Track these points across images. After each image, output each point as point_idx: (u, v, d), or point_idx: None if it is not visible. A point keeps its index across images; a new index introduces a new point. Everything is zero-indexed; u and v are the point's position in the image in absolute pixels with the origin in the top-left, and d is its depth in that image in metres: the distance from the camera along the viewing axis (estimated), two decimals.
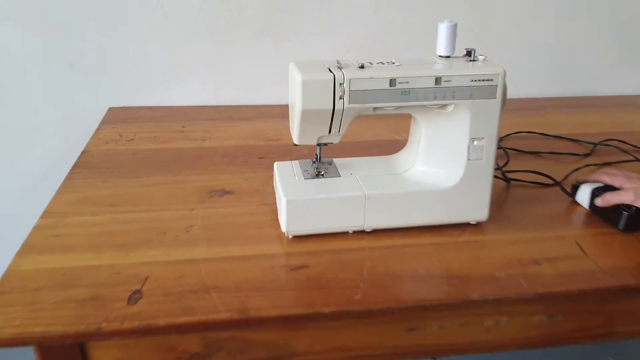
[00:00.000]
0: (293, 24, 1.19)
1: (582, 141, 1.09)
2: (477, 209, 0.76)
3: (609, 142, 1.08)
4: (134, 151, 0.98)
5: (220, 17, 1.16)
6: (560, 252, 0.71)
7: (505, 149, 1.01)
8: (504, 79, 0.70)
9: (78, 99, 1.17)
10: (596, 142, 1.08)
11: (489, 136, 0.72)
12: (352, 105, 0.67)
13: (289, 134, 0.73)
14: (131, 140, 1.03)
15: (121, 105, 1.20)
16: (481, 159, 0.73)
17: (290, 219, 0.70)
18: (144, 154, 0.97)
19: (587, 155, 1.03)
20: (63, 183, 0.85)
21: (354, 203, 0.71)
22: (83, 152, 0.96)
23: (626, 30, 1.34)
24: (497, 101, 0.70)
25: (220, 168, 0.92)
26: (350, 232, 0.73)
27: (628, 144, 1.07)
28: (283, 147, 1.01)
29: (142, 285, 0.62)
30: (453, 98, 0.69)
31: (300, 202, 0.70)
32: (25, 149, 1.20)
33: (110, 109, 1.18)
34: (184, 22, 1.15)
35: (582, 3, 1.29)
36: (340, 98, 0.66)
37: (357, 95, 0.67)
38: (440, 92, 0.68)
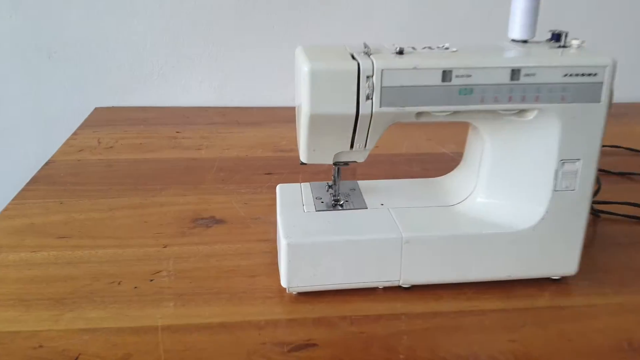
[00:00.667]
0: (314, 8, 0.98)
1: None
2: (563, 260, 0.53)
3: None
4: (110, 162, 0.78)
5: (226, 5, 0.96)
6: None
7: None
8: (613, 74, 0.47)
9: (59, 97, 0.99)
10: None
11: (587, 157, 0.49)
12: (385, 109, 0.45)
13: None
14: (110, 148, 0.83)
15: (110, 105, 1.01)
16: (573, 190, 0.50)
17: (292, 270, 0.49)
18: (121, 166, 0.77)
19: None
20: (10, 204, 0.66)
21: (386, 249, 0.49)
22: (47, 163, 0.77)
23: None
24: (603, 106, 0.47)
25: (213, 187, 0.72)
26: (380, 288, 0.52)
27: None
28: (297, 159, 0.80)
29: None
30: (536, 100, 0.46)
31: (308, 247, 0.49)
32: None
33: (96, 109, 1.00)
34: (185, 8, 0.95)
35: None
36: (368, 98, 0.45)
37: (392, 95, 0.45)
38: (518, 92, 0.46)
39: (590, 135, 0.48)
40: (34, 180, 0.72)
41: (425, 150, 0.85)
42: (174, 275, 0.54)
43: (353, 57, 0.45)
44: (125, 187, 0.71)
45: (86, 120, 0.95)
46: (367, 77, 0.44)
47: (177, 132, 0.90)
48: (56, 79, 0.98)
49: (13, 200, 0.67)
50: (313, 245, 0.49)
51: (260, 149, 0.85)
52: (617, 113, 1.05)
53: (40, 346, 0.44)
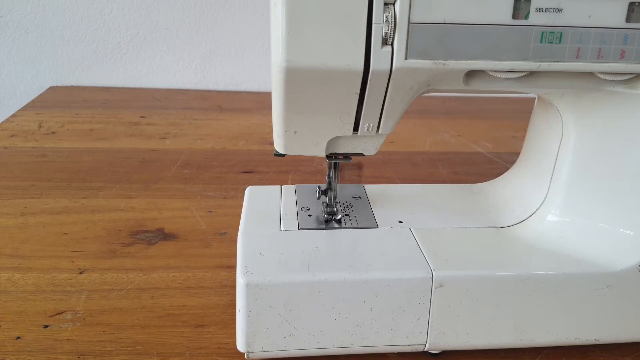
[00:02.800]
0: None
1: None
2: None
3: None
4: (46, 151, 0.61)
5: None
6: None
7: None
8: None
9: (6, 72, 0.82)
10: None
11: None
12: (414, 63, 0.27)
13: None
14: (52, 133, 0.66)
15: (68, 84, 0.84)
16: None
17: (254, 325, 0.30)
18: (57, 157, 0.59)
19: None
20: None
21: (407, 295, 0.31)
22: None
23: None
24: None
25: (171, 187, 0.54)
26: (394, 354, 0.33)
27: None
28: (287, 156, 0.62)
29: None
30: None
31: (281, 290, 0.30)
32: None
33: (51, 87, 0.83)
34: None
35: None
36: (386, 43, 0.26)
37: (429, 37, 0.26)
38: (636, 42, 0.27)
39: None
40: None
41: (455, 149, 0.66)
42: (81, 319, 0.35)
43: None
44: (54, 185, 0.53)
45: (33, 100, 0.77)
46: (386, 4, 0.26)
47: (142, 116, 0.72)
48: (2, 51, 0.81)
49: None
50: (289, 287, 0.30)
51: (242, 141, 0.66)
52: None
53: None
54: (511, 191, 0.37)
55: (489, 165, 0.63)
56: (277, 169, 0.59)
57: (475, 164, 0.63)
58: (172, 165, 0.59)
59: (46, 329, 0.35)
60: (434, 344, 0.32)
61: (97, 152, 0.61)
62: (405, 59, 0.27)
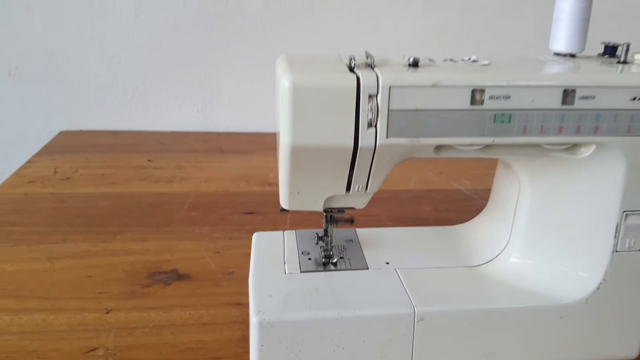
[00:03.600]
0: (312, 21, 0.87)
1: None
2: (622, 340, 0.40)
3: None
4: (63, 197, 0.66)
5: (212, 12, 0.85)
6: None
7: None
8: None
9: (19, 119, 0.88)
10: None
11: None
12: (393, 141, 0.33)
13: None
14: (67, 179, 0.71)
15: (77, 128, 0.90)
16: (639, 251, 0.38)
17: (266, 357, 0.36)
18: (74, 202, 0.65)
19: None
20: None
21: (394, 328, 0.37)
22: None
23: None
24: None
25: (181, 230, 0.60)
26: None
27: None
28: None
29: None
30: (596, 132, 0.35)
31: (288, 326, 0.36)
32: None
33: (61, 132, 0.88)
34: (165, 19, 0.85)
35: None
36: (371, 126, 0.33)
37: (404, 121, 0.33)
38: (572, 121, 0.34)
39: None
40: None
41: (437, 186, 0.73)
42: (112, 355, 0.41)
43: (351, 70, 0.33)
44: (74, 230, 0.59)
45: (46, 146, 0.83)
46: (370, 96, 0.32)
47: (149, 160, 0.78)
48: (17, 98, 0.87)
49: None
50: (295, 324, 0.36)
51: (243, 182, 0.72)
52: None
53: None
54: (480, 235, 0.44)
55: (467, 202, 0.69)
56: (276, 209, 0.64)
57: (455, 200, 0.70)
58: (180, 208, 0.64)
59: None
60: None
61: (111, 197, 0.67)
62: (386, 137, 0.33)
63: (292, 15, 0.86)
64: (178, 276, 0.51)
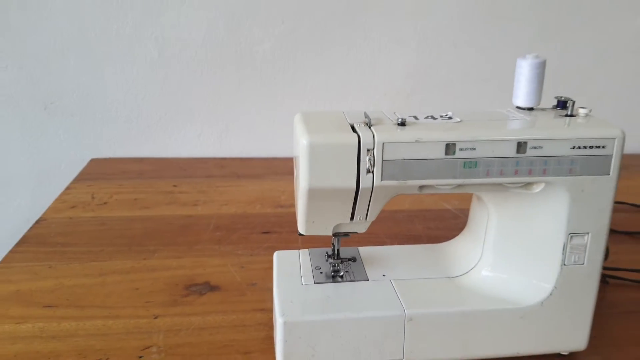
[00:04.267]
0: (315, 61, 0.98)
1: None
2: (572, 336, 0.50)
3: None
4: (103, 220, 0.76)
5: (227, 53, 0.96)
6: None
7: None
8: (623, 146, 0.45)
9: (54, 148, 0.98)
10: None
11: (596, 231, 0.47)
12: (386, 183, 0.44)
13: None
14: (104, 204, 0.81)
15: (106, 155, 1.00)
16: (582, 264, 0.48)
17: (289, 350, 0.46)
18: (114, 225, 0.75)
19: None
20: None
21: (389, 326, 0.47)
22: (37, 222, 0.75)
23: None
24: (612, 179, 0.45)
25: (209, 248, 0.70)
26: None
27: None
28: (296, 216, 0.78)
29: None
30: (544, 174, 0.45)
31: (306, 326, 0.46)
32: None
33: (92, 160, 0.99)
34: (184, 58, 0.95)
35: None
36: (369, 172, 0.43)
37: (394, 168, 0.43)
38: (525, 165, 0.44)
39: (600, 208, 0.46)
40: (22, 241, 0.70)
41: (428, 207, 0.83)
42: (164, 351, 0.51)
43: (353, 129, 0.44)
44: (117, 249, 0.69)
45: (81, 173, 0.93)
46: (368, 150, 0.43)
47: (174, 185, 0.89)
48: (52, 130, 0.97)
49: (0, 263, 0.65)
50: (311, 323, 0.46)
51: (259, 205, 0.83)
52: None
53: None
54: (459, 252, 0.54)
55: (454, 220, 0.79)
56: (289, 229, 0.75)
57: (444, 219, 0.80)
58: (207, 229, 0.75)
59: (141, 359, 0.50)
60: (408, 359, 0.48)
61: (145, 219, 0.77)
62: (381, 180, 0.43)
63: (295, 56, 0.97)
64: (210, 287, 0.61)
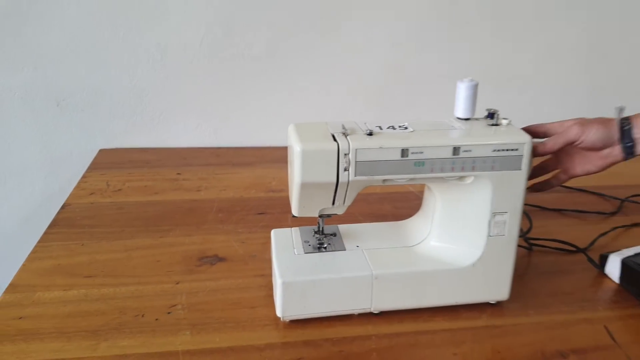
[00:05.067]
0: (300, 62, 1.12)
1: (608, 196, 1.00)
2: (497, 289, 0.67)
3: (636, 199, 0.99)
4: (121, 205, 0.90)
5: (222, 54, 1.08)
6: (588, 341, 0.63)
7: (527, 212, 0.91)
8: (530, 149, 0.61)
9: (66, 140, 1.10)
10: (623, 197, 0.99)
11: (512, 210, 0.63)
12: (358, 178, 0.59)
13: None
14: (119, 190, 0.95)
15: (113, 146, 1.12)
16: (503, 235, 0.64)
17: (286, 303, 0.62)
18: (130, 209, 0.89)
19: (613, 213, 0.94)
20: (36, 246, 0.77)
21: (361, 283, 0.63)
22: (64, 207, 0.88)
23: None
24: (523, 173, 0.62)
25: (214, 227, 0.84)
26: (356, 314, 0.65)
27: None
28: (286, 200, 0.92)
29: None
30: (473, 169, 0.61)
31: (299, 284, 0.61)
32: (4, 194, 1.12)
33: (100, 150, 1.11)
34: (183, 60, 1.08)
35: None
36: (345, 170, 0.58)
37: (364, 167, 0.58)
38: (459, 163, 0.60)
39: (515, 194, 0.62)
40: (54, 223, 0.83)
41: (396, 190, 0.99)
42: (187, 308, 0.66)
43: (334, 138, 0.58)
44: (137, 229, 0.83)
45: (93, 163, 1.06)
46: (345, 154, 0.57)
47: (178, 173, 1.02)
48: (64, 123, 1.09)
49: (38, 243, 0.78)
50: (303, 283, 0.61)
51: (253, 190, 0.97)
52: None
53: None
54: (414, 227, 0.70)
55: (416, 201, 0.95)
56: (281, 210, 0.90)
57: (408, 200, 0.96)
58: (210, 211, 0.89)
59: (169, 314, 0.65)
60: (375, 308, 0.64)
61: (156, 204, 0.91)
62: (355, 176, 0.58)
63: (282, 58, 1.10)
64: (219, 259, 0.76)
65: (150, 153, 1.11)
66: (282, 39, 1.09)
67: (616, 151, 0.66)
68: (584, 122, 0.65)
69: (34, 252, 0.75)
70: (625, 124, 0.64)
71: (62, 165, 1.11)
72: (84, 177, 1.00)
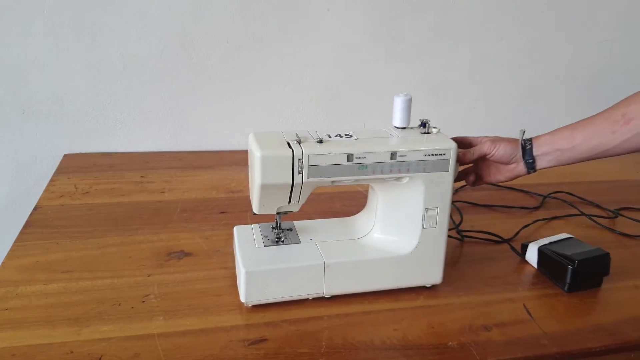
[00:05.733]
0: (254, 72, 1.20)
1: (532, 193, 1.14)
2: (432, 274, 0.78)
3: (557, 195, 1.14)
4: (90, 206, 0.96)
5: (182, 64, 1.15)
6: (509, 317, 0.74)
7: (459, 208, 1.04)
8: (456, 153, 0.73)
9: (31, 146, 1.14)
10: (545, 194, 1.13)
11: (442, 206, 0.74)
12: (310, 180, 0.68)
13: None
14: (87, 193, 1.00)
15: (77, 151, 1.17)
16: (435, 227, 0.75)
17: (249, 290, 0.70)
18: (100, 210, 0.95)
19: (536, 208, 1.08)
20: (14, 245, 0.82)
21: (314, 271, 0.72)
22: (35, 209, 0.93)
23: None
24: (450, 174, 0.73)
25: (179, 225, 0.92)
26: (310, 299, 0.74)
27: (575, 195, 1.13)
28: (245, 200, 1.01)
29: None
30: (408, 171, 0.71)
31: (260, 273, 0.70)
32: None
33: (65, 155, 1.16)
34: (144, 69, 1.14)
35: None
36: (299, 173, 0.68)
37: (315, 170, 0.68)
38: (396, 166, 0.71)
39: (443, 192, 0.74)
40: (28, 224, 0.88)
41: (344, 190, 1.09)
42: (159, 297, 0.73)
43: (289, 145, 0.68)
44: (107, 228, 0.89)
45: (60, 167, 1.10)
46: (299, 159, 0.67)
47: (142, 176, 1.08)
48: (29, 129, 1.13)
49: (15, 242, 0.83)
50: (263, 272, 0.70)
51: (214, 191, 1.05)
52: None
53: (71, 352, 0.63)
54: (360, 222, 0.80)
55: (363, 199, 1.05)
56: (240, 209, 0.98)
57: (356, 199, 1.06)
58: (175, 211, 0.96)
59: (144, 303, 0.72)
60: (327, 292, 0.74)
61: (124, 205, 0.97)
62: (307, 178, 0.68)
63: (237, 68, 1.19)
64: (185, 254, 0.83)
65: (114, 157, 1.17)
66: (237, 52, 1.17)
67: (520, 166, 0.79)
68: (495, 140, 0.79)
69: (12, 250, 0.81)
70: (527, 144, 0.78)
71: (28, 169, 1.15)
72: (52, 180, 1.04)
